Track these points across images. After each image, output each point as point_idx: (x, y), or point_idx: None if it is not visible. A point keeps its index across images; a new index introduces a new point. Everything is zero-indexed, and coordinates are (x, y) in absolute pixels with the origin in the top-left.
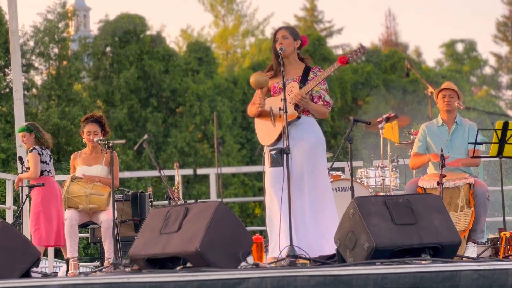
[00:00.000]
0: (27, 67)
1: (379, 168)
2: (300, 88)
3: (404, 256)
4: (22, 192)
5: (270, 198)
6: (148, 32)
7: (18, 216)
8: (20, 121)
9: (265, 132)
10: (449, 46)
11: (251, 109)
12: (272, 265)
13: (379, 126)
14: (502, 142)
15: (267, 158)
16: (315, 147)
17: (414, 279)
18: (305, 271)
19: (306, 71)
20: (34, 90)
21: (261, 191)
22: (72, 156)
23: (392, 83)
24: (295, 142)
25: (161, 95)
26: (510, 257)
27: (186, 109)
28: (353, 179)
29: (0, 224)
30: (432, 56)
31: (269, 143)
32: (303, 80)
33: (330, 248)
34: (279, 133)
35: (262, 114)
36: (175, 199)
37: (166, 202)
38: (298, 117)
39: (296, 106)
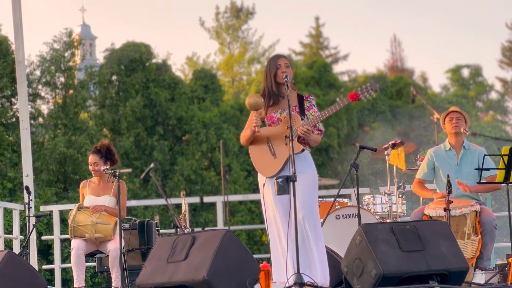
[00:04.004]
0: (34, 96)
1: (386, 194)
2: (302, 119)
3: (412, 283)
4: (29, 221)
5: (276, 226)
6: (154, 60)
7: (25, 246)
8: (26, 150)
9: (265, 163)
10: (455, 71)
11: (244, 134)
12: None
13: (385, 152)
14: (508, 167)
15: (268, 187)
16: (313, 181)
17: None
18: None
19: (300, 100)
20: (40, 119)
21: None
22: (81, 184)
23: (398, 109)
24: (297, 173)
25: (167, 123)
26: None
27: (193, 137)
28: (360, 205)
29: (7, 254)
30: (438, 81)
31: (271, 174)
32: (301, 109)
33: (325, 280)
34: (282, 163)
35: (257, 143)
36: (182, 227)
37: (173, 231)
38: (303, 150)
39: (298, 139)
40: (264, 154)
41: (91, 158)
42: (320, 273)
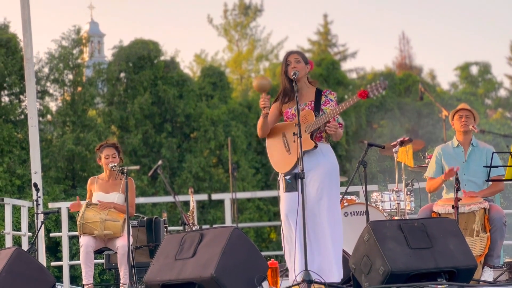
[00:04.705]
0: (42, 93)
1: (394, 192)
2: (315, 116)
3: (420, 281)
4: (37, 218)
5: (286, 224)
6: (162, 58)
7: (33, 242)
8: (35, 147)
9: (280, 159)
10: (464, 68)
11: (258, 122)
12: None
13: (394, 150)
14: None
15: (282, 184)
16: (329, 174)
17: None
18: None
19: (318, 95)
20: (49, 116)
21: (276, 215)
22: (89, 180)
23: (407, 106)
24: (311, 168)
25: (176, 120)
26: None
27: (201, 134)
28: (368, 203)
29: (15, 251)
30: (446, 78)
31: (286, 170)
32: (317, 105)
33: (339, 275)
34: (295, 160)
35: (273, 138)
36: (190, 224)
37: (181, 228)
38: (315, 147)
39: (312, 136)
40: (279, 149)
41: (109, 150)
42: (334, 268)
